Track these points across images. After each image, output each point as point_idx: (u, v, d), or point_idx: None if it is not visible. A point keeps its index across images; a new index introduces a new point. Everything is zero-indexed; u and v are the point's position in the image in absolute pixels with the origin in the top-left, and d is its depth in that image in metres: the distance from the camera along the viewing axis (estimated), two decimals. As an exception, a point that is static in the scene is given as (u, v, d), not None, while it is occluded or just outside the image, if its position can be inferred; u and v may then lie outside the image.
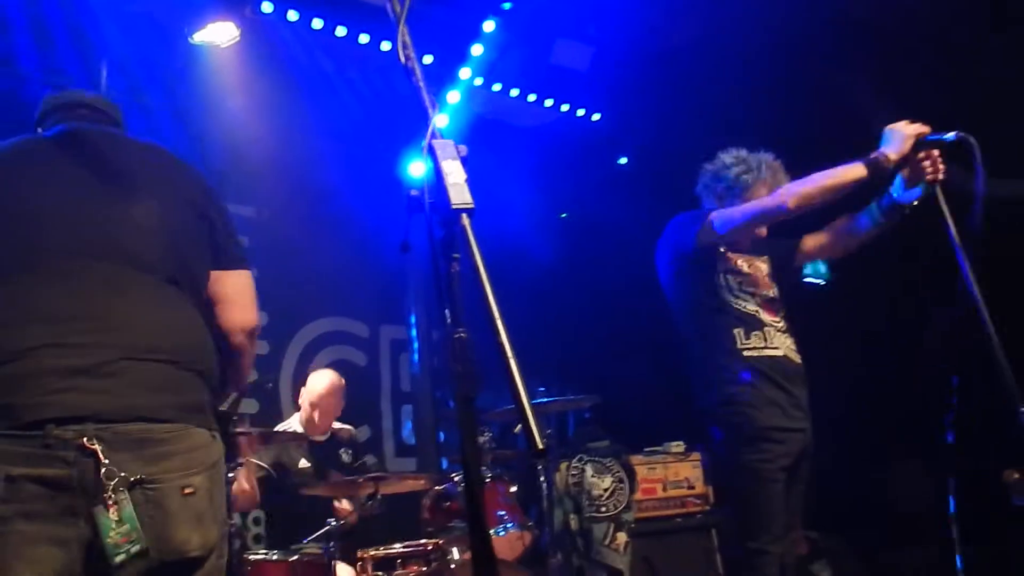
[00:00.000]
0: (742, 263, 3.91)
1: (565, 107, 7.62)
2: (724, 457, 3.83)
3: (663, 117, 7.17)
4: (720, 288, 3.84)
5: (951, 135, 3.38)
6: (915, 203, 3.68)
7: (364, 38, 6.42)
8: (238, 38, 5.93)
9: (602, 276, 7.69)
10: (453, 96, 6.87)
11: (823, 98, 6.00)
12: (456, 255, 1.82)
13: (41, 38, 5.38)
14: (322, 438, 5.49)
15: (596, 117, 7.77)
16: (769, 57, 6.28)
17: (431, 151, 1.91)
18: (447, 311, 1.77)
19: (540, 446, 1.48)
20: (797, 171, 3.84)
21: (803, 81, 6.28)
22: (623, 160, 8.24)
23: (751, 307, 3.84)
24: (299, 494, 4.99)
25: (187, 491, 2.07)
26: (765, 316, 3.85)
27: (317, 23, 6.25)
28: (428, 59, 6.71)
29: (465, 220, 1.79)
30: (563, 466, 6.06)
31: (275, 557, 4.44)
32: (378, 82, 6.42)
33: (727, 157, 4.01)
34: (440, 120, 6.66)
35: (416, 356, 7.33)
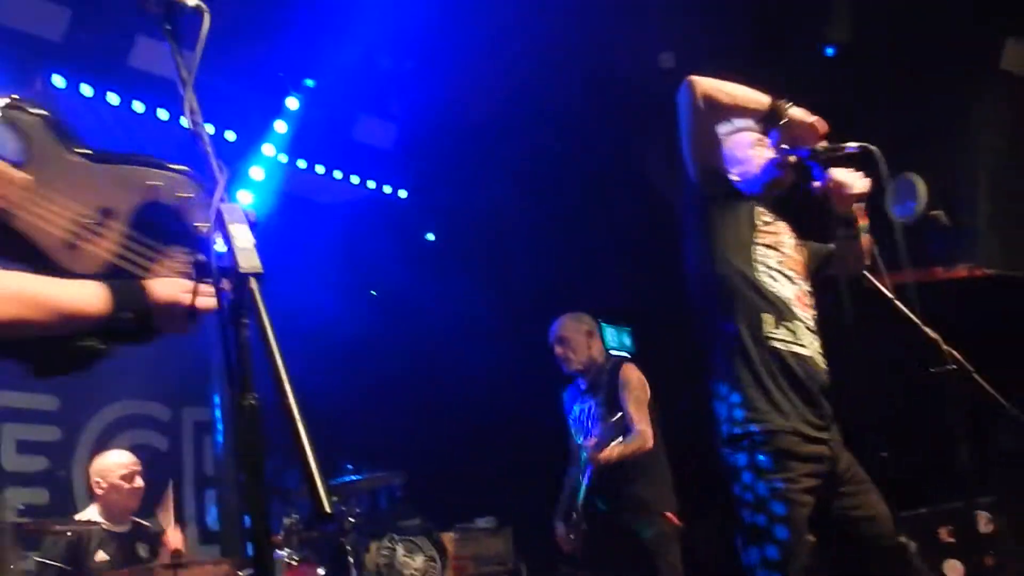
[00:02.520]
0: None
1: (371, 184, 7.65)
2: (745, 485, 3.10)
3: (467, 192, 7.31)
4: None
5: (852, 145, 3.24)
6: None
7: (163, 113, 6.28)
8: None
9: (411, 351, 7.69)
10: (257, 173, 6.78)
11: (619, 163, 6.22)
12: (245, 320, 1.78)
13: None
14: (122, 528, 5.14)
15: (403, 194, 7.83)
16: (563, 123, 6.51)
17: (218, 215, 1.88)
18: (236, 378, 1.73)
19: (327, 509, 1.44)
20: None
21: (597, 147, 6.52)
22: (430, 236, 8.32)
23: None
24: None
25: None
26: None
27: (113, 98, 6.08)
28: (231, 135, 6.62)
29: (253, 284, 1.76)
30: (373, 546, 5.95)
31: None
32: (176, 157, 6.27)
33: None
34: (244, 197, 6.55)
35: (220, 438, 7.07)
